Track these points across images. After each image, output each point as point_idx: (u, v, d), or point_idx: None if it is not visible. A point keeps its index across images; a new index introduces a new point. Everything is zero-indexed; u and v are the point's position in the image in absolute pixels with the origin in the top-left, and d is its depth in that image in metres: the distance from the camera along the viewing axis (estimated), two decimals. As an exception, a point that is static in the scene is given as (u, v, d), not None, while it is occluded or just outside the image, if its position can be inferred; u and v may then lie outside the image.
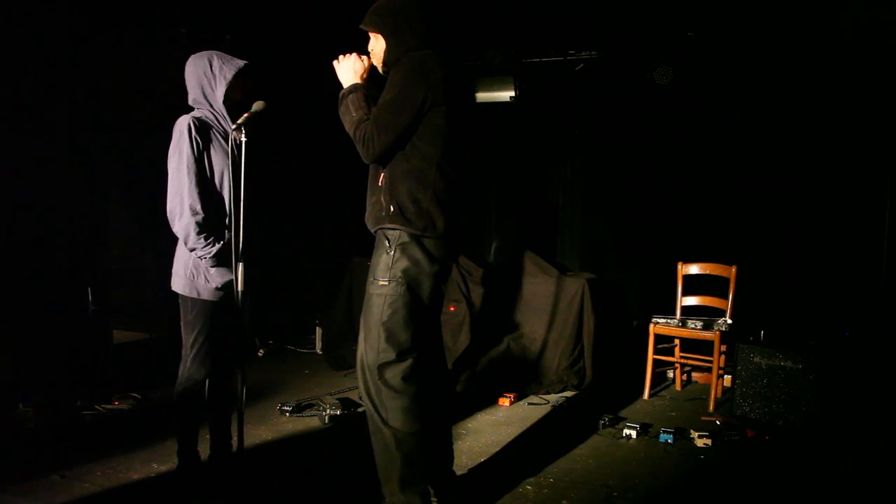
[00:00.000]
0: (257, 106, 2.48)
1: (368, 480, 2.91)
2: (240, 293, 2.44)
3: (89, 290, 4.14)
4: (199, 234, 2.60)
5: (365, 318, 2.53)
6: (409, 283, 2.46)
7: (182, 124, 2.63)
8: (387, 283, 2.45)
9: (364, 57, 2.56)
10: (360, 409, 3.92)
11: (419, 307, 2.50)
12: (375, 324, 2.47)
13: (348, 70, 2.55)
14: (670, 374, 4.80)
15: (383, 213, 2.47)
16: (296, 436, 3.62)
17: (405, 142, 2.43)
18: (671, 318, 4.43)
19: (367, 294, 2.53)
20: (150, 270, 4.90)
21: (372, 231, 2.57)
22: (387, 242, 2.47)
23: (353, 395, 4.28)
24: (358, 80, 2.53)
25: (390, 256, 2.45)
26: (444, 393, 2.81)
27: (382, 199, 2.48)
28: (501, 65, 5.35)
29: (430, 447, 2.55)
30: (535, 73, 5.45)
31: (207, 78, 2.67)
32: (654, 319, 4.41)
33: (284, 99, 4.01)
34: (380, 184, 2.51)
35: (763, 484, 3.09)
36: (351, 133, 2.47)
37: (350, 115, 2.47)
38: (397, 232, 2.45)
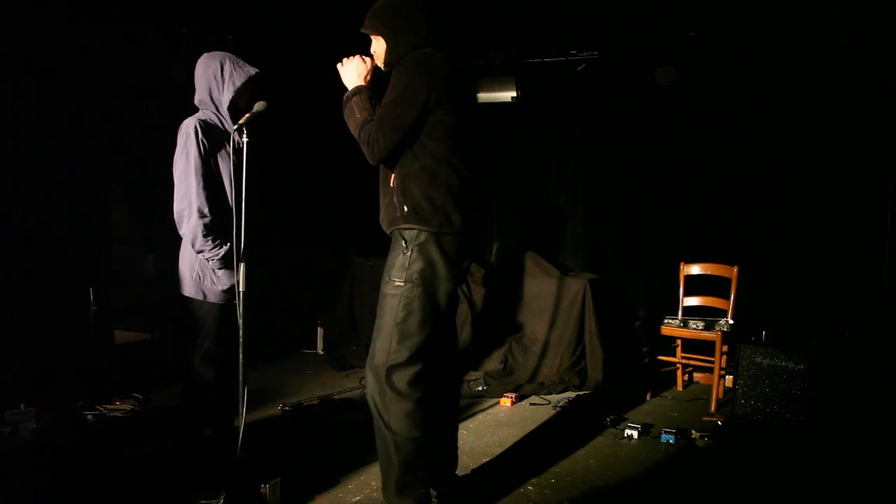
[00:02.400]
0: (259, 106, 2.47)
1: (370, 480, 2.92)
2: (241, 294, 2.44)
3: (91, 290, 4.14)
4: (206, 236, 2.60)
5: (379, 318, 2.51)
6: (425, 285, 2.43)
7: (189, 127, 2.62)
8: (402, 283, 2.43)
9: (367, 59, 2.55)
10: (361, 393, 3.92)
11: (435, 310, 2.47)
12: (388, 324, 2.45)
13: (352, 72, 2.53)
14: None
15: (398, 214, 2.45)
16: (297, 436, 3.62)
17: (412, 141, 2.41)
18: (673, 318, 4.43)
19: (382, 293, 2.51)
20: (151, 270, 4.91)
21: (388, 232, 2.56)
22: (403, 242, 2.45)
23: (355, 396, 4.28)
24: (361, 83, 2.51)
25: (407, 257, 2.43)
26: (454, 395, 2.81)
27: (395, 200, 2.46)
28: (503, 65, 5.34)
29: (431, 452, 2.52)
30: (536, 73, 5.44)
31: (217, 81, 2.66)
32: (666, 321, 4.41)
33: (286, 99, 4.01)
34: (392, 185, 2.49)
35: (764, 484, 3.09)
36: (356, 135, 2.45)
37: (354, 117, 2.46)
38: (414, 231, 2.43)
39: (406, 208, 2.43)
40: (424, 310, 2.44)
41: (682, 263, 4.59)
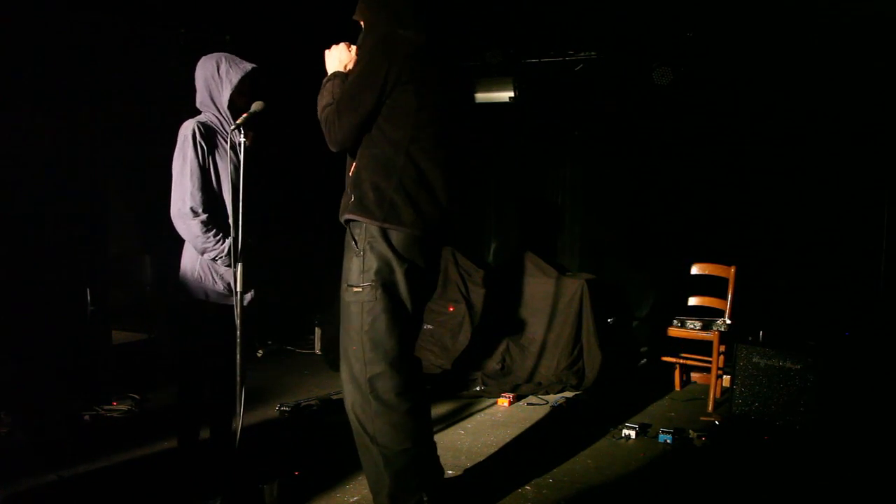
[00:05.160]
0: (256, 106, 2.48)
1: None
2: (239, 294, 2.44)
3: (88, 290, 4.13)
4: (205, 233, 2.61)
5: (344, 328, 2.40)
6: (384, 284, 2.31)
7: (187, 129, 2.63)
8: (361, 288, 2.31)
9: (352, 46, 2.47)
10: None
11: (401, 310, 2.35)
12: (357, 334, 2.34)
13: (333, 59, 2.47)
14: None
15: (346, 204, 2.36)
16: (295, 436, 3.62)
17: (370, 124, 2.30)
18: (676, 319, 4.40)
19: (343, 302, 2.40)
20: (149, 271, 4.90)
21: (342, 222, 2.44)
22: (354, 242, 2.34)
23: (353, 396, 4.28)
24: (341, 69, 2.43)
25: (361, 259, 2.32)
26: (425, 397, 2.65)
27: (348, 188, 2.37)
28: (501, 65, 5.35)
29: (421, 461, 2.43)
30: (534, 73, 5.45)
31: (214, 81, 2.67)
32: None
33: (284, 99, 4.01)
34: (350, 173, 2.41)
35: (762, 484, 3.09)
36: (319, 118, 2.37)
37: (321, 102, 2.37)
38: (361, 225, 2.31)
39: (353, 198, 2.32)
40: (389, 312, 2.31)
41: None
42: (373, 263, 2.31)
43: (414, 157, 2.31)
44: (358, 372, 2.35)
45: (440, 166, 2.37)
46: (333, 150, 2.38)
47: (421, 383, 2.50)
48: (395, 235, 2.31)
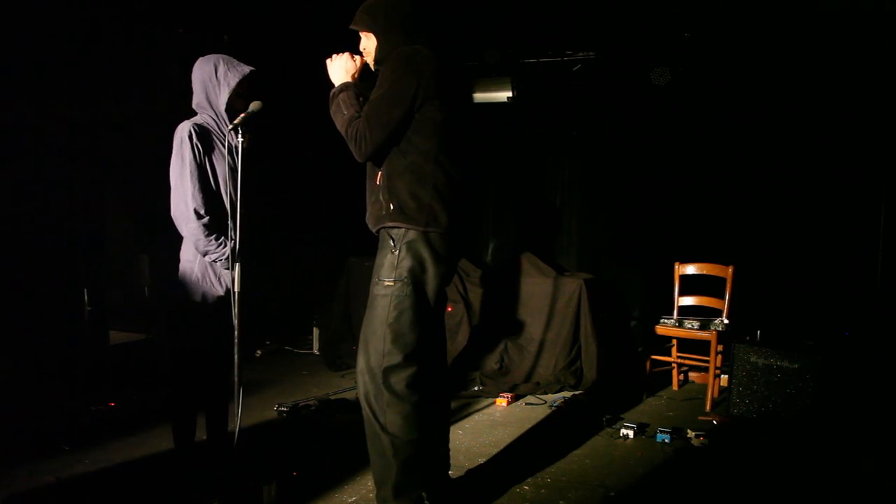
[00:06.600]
0: (254, 106, 2.48)
1: (366, 481, 2.92)
2: (237, 294, 2.44)
3: (86, 291, 4.14)
4: (208, 236, 2.61)
5: (368, 319, 2.48)
6: (415, 283, 2.42)
7: (182, 131, 2.63)
8: (392, 283, 2.41)
9: (356, 56, 2.54)
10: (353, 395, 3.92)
11: (425, 308, 2.46)
12: (381, 325, 2.42)
13: (339, 69, 2.52)
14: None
15: (384, 213, 2.44)
16: (293, 437, 3.62)
17: (399, 138, 2.41)
18: (669, 318, 4.45)
19: (371, 295, 2.49)
20: (147, 271, 4.90)
21: (374, 231, 2.54)
22: (391, 241, 2.43)
23: (351, 396, 4.28)
24: (349, 79, 2.50)
25: (395, 256, 2.41)
26: (444, 395, 2.79)
27: (382, 197, 2.45)
28: (499, 65, 5.35)
29: (427, 454, 2.51)
30: (532, 73, 5.45)
31: (212, 83, 2.67)
32: (662, 320, 4.43)
33: (283, 99, 4.02)
34: (378, 183, 2.48)
35: (759, 483, 3.10)
36: (343, 132, 2.44)
37: (341, 114, 2.44)
38: (401, 230, 2.42)
39: (392, 206, 2.41)
40: (415, 308, 2.42)
41: (677, 263, 4.61)
42: (407, 262, 2.41)
43: (442, 163, 2.44)
44: (374, 362, 2.44)
45: (461, 168, 2.51)
46: (360, 161, 2.47)
47: (434, 380, 2.57)
48: (435, 238, 2.44)
